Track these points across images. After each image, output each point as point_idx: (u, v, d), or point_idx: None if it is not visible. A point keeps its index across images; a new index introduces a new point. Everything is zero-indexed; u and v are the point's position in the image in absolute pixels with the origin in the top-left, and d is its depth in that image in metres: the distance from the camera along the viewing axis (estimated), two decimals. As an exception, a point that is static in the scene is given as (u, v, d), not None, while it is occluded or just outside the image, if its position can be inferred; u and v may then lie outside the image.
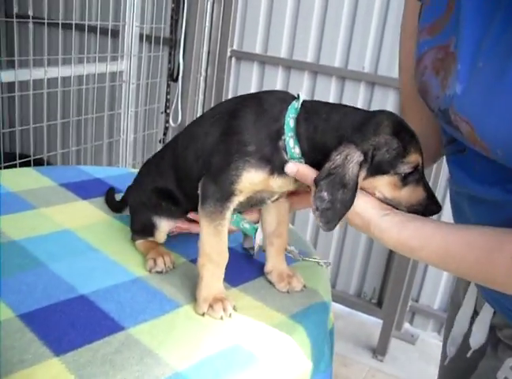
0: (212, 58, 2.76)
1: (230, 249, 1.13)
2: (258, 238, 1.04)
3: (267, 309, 0.95)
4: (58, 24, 2.19)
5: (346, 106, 0.87)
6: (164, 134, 2.77)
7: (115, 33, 2.57)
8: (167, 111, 2.72)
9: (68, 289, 0.93)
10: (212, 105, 2.79)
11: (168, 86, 2.73)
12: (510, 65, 0.63)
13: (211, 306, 0.89)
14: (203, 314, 0.90)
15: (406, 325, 2.71)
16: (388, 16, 2.37)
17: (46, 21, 2.15)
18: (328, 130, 0.82)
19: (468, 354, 0.95)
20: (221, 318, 0.89)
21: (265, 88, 2.64)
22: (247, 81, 2.75)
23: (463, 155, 0.79)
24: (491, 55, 0.66)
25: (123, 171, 1.55)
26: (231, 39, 2.71)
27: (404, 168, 0.79)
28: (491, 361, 0.86)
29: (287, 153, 0.85)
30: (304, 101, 0.87)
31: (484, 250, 0.70)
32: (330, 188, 0.78)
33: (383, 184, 0.80)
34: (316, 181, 0.79)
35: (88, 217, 1.21)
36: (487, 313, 0.90)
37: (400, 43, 0.97)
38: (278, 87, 2.66)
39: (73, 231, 1.13)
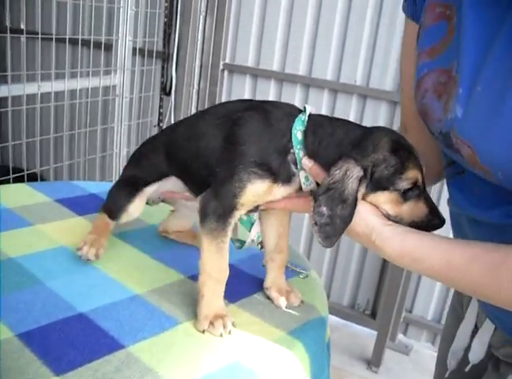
0: (205, 72, 2.77)
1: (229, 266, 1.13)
2: (254, 233, 1.01)
3: (265, 325, 0.95)
4: (52, 38, 2.19)
5: (350, 122, 0.88)
6: (157, 147, 2.77)
7: (108, 47, 2.57)
8: (160, 125, 2.73)
9: (66, 307, 0.92)
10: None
11: (161, 100, 2.74)
12: (509, 90, 0.65)
13: (211, 323, 0.90)
14: (203, 331, 0.90)
15: (400, 336, 2.71)
16: (379, 30, 2.39)
17: (39, 36, 2.15)
18: (331, 145, 0.84)
19: (467, 369, 0.96)
20: (221, 335, 0.89)
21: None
22: (240, 94, 2.76)
23: (462, 177, 0.80)
24: (491, 80, 0.68)
25: (118, 186, 1.55)
26: (224, 52, 2.72)
27: (403, 184, 0.80)
28: (494, 377, 0.87)
29: (296, 165, 0.86)
30: (310, 114, 0.88)
31: (488, 265, 0.70)
32: (329, 203, 0.78)
33: (384, 200, 0.81)
34: (315, 196, 0.80)
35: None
36: (487, 329, 0.90)
37: (401, 65, 0.98)
38: (271, 99, 2.67)
39: (70, 248, 1.13)
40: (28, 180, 2.19)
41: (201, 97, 2.81)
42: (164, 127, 2.67)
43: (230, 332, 0.90)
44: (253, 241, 1.03)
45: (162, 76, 2.72)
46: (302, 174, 0.87)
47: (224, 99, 2.81)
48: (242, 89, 2.75)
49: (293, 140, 0.86)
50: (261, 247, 1.04)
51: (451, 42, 0.76)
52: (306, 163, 0.84)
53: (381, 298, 2.59)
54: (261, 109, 0.90)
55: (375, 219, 0.80)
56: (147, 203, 1.14)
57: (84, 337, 0.85)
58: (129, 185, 1.10)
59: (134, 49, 2.57)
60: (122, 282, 1.03)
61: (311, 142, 0.85)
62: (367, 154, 0.80)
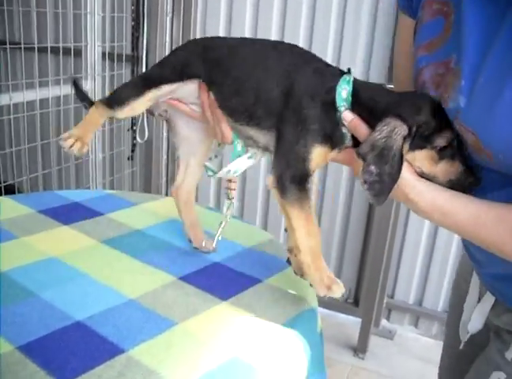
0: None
1: (216, 264, 1.16)
2: (234, 166, 1.02)
3: (259, 319, 0.98)
4: (20, 47, 2.18)
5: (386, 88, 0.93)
6: (132, 151, 2.78)
7: (77, 53, 2.55)
8: (134, 128, 2.73)
9: (63, 317, 0.94)
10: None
11: (133, 103, 2.73)
12: (509, 81, 0.71)
13: (329, 288, 0.91)
14: (325, 296, 0.91)
15: (383, 322, 2.77)
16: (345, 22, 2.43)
17: (8, 46, 2.13)
18: (376, 103, 0.86)
19: (465, 338, 1.03)
20: (342, 296, 0.91)
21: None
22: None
23: None
24: (493, 72, 0.73)
25: (101, 193, 1.56)
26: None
27: (439, 142, 0.83)
28: (498, 344, 0.92)
29: (340, 123, 0.88)
30: (354, 78, 0.91)
31: None
32: (378, 161, 0.81)
33: (421, 158, 0.84)
34: (362, 155, 0.82)
35: (72, 243, 1.22)
36: (487, 300, 0.96)
37: (394, 58, 1.04)
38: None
39: (59, 258, 1.14)
40: (6, 192, 2.17)
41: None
42: (138, 129, 2.67)
43: (343, 294, 0.92)
44: (228, 172, 1.03)
45: (132, 79, 2.72)
46: (345, 133, 0.89)
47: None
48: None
49: (337, 98, 0.88)
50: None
51: (449, 37, 0.81)
52: (348, 115, 0.86)
53: (362, 286, 2.65)
54: (317, 69, 0.92)
55: (409, 174, 0.83)
56: (151, 113, 1.12)
57: (84, 344, 0.87)
58: (145, 80, 1.07)
59: (103, 54, 2.57)
60: (115, 288, 1.04)
61: (355, 101, 0.88)
62: (411, 114, 0.83)
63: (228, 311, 0.99)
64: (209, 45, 1.05)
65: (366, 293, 2.57)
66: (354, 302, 2.77)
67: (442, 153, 0.84)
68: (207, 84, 1.01)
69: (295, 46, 0.99)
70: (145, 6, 2.58)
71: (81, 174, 2.75)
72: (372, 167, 0.81)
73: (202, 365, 0.84)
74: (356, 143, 0.88)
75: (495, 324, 0.95)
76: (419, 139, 0.83)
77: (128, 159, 2.80)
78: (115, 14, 2.61)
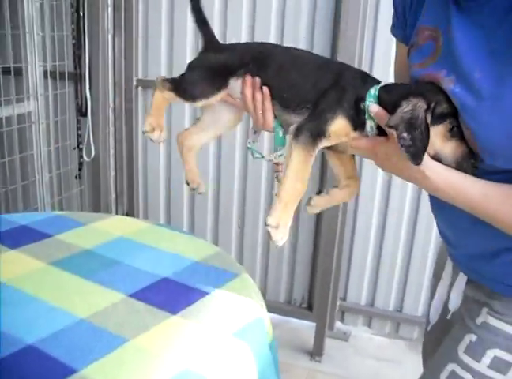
0: (119, 89, 2.78)
1: (164, 280, 1.19)
2: (279, 152, 1.15)
3: (209, 331, 1.01)
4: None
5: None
6: (79, 169, 2.77)
7: (18, 73, 2.53)
8: (80, 146, 2.72)
9: (13, 341, 0.94)
10: (124, 136, 2.82)
11: (78, 121, 2.72)
12: (502, 89, 0.86)
13: (275, 228, 0.98)
14: (266, 226, 0.98)
15: (338, 324, 2.83)
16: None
17: None
18: (398, 95, 0.98)
19: (448, 317, 1.15)
20: (277, 246, 0.99)
21: (173, 115, 2.70)
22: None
23: None
24: (484, 80, 0.89)
25: (49, 215, 1.56)
26: (136, 68, 2.74)
27: (452, 121, 0.95)
28: (470, 313, 1.05)
29: (365, 114, 1.02)
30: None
31: None
32: (408, 129, 0.93)
33: (436, 134, 0.95)
34: (394, 126, 0.94)
35: (20, 266, 1.22)
36: (461, 280, 1.10)
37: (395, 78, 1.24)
38: (186, 110, 2.72)
39: (7, 283, 1.14)
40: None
41: (117, 115, 2.81)
42: (85, 148, 2.67)
43: (277, 245, 0.99)
44: (281, 155, 1.15)
45: (76, 97, 2.71)
46: (368, 123, 1.02)
47: (140, 116, 2.82)
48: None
49: (367, 95, 1.02)
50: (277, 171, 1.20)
51: (438, 56, 0.98)
52: (374, 107, 1.00)
53: (315, 291, 2.70)
54: (358, 72, 1.10)
55: (425, 155, 0.94)
56: None
57: (36, 368, 0.88)
58: (215, 72, 1.16)
59: (45, 72, 2.55)
60: (65, 309, 1.06)
61: (381, 98, 1.01)
62: (431, 94, 0.96)
63: (178, 324, 1.01)
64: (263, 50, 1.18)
65: (319, 297, 2.62)
66: (308, 306, 2.82)
67: (452, 132, 0.96)
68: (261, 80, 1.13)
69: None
70: (86, 25, 2.58)
71: (28, 194, 2.71)
72: (404, 134, 0.93)
73: (155, 378, 0.87)
74: (380, 133, 1.01)
75: (469, 296, 1.08)
76: (437, 115, 0.95)
77: (76, 177, 2.78)
78: (55, 33, 2.60)
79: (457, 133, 0.95)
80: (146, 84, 2.77)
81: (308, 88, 1.08)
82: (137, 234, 1.44)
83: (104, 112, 2.75)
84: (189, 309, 1.08)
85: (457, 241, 1.08)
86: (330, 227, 2.47)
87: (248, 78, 1.12)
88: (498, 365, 0.98)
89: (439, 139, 0.96)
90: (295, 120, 1.08)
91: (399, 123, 0.94)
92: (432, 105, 0.95)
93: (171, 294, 1.12)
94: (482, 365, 0.99)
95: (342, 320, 2.86)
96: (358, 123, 1.03)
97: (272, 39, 2.50)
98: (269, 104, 1.12)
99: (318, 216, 2.64)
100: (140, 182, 2.91)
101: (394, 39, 1.19)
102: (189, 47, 2.64)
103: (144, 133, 1.15)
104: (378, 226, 2.63)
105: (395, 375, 2.50)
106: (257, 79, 1.12)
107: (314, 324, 2.65)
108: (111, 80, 2.74)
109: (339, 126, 1.02)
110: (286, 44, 1.26)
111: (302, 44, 2.46)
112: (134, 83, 2.76)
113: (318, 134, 1.01)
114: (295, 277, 2.82)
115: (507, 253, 0.97)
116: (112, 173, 2.87)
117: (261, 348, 1.02)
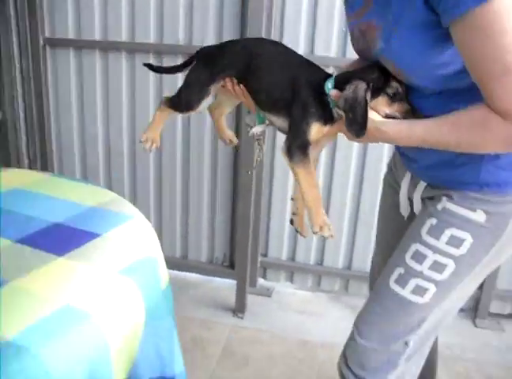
0: (25, 49, 2.65)
1: (56, 225, 1.15)
2: (259, 129, 1.36)
3: (95, 269, 0.99)
4: None
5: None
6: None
7: None
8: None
9: None
10: (34, 98, 2.70)
11: (-18, 83, 2.60)
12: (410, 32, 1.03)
13: (321, 228, 1.18)
14: (315, 233, 1.18)
15: (260, 281, 2.86)
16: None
17: None
18: (346, 79, 1.15)
19: (415, 210, 1.32)
20: (331, 236, 1.19)
21: (84, 73, 2.61)
22: (66, 68, 2.69)
23: None
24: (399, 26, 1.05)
25: None
26: (42, 26, 2.62)
27: (389, 90, 1.14)
28: (431, 202, 1.23)
29: (330, 103, 1.19)
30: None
31: (472, 120, 1.02)
32: (350, 108, 1.11)
33: (380, 103, 1.15)
34: (342, 108, 1.13)
35: None
36: (422, 186, 1.27)
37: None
38: (98, 70, 2.64)
39: None
40: None
41: (25, 76, 2.69)
42: None
43: (332, 236, 1.18)
44: (256, 133, 1.37)
45: (-22, 58, 2.58)
46: (334, 111, 1.19)
47: (50, 77, 2.71)
48: (68, 62, 2.68)
49: (325, 88, 1.19)
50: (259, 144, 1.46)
51: (369, 9, 1.13)
52: (333, 92, 1.16)
53: (236, 248, 2.71)
54: (314, 67, 1.26)
55: (377, 116, 1.14)
56: None
57: None
58: (203, 81, 1.34)
59: None
60: None
61: (336, 87, 1.17)
62: (366, 75, 1.14)
63: (63, 265, 0.99)
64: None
65: (239, 254, 2.63)
66: (230, 265, 2.83)
67: (393, 98, 1.14)
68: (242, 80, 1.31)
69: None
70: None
71: None
72: (349, 114, 1.11)
73: (30, 315, 0.84)
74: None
75: (427, 197, 1.27)
76: (375, 91, 1.13)
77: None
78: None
79: (396, 97, 1.14)
80: (54, 43, 2.65)
81: (276, 96, 1.26)
82: (33, 184, 1.39)
83: (10, 73, 2.63)
84: (78, 250, 1.06)
85: (419, 156, 1.24)
86: (246, 182, 2.46)
87: (227, 81, 1.32)
88: (453, 241, 1.16)
89: (385, 106, 1.15)
90: (273, 119, 1.28)
91: (343, 105, 1.12)
92: (371, 84, 1.12)
93: (60, 238, 1.09)
94: (441, 243, 1.17)
95: (264, 276, 2.88)
96: (328, 116, 1.19)
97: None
98: (247, 96, 1.31)
99: (235, 175, 2.63)
100: (54, 146, 2.82)
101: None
102: (96, 1, 2.54)
103: (140, 141, 1.38)
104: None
105: (318, 326, 2.56)
106: (234, 80, 1.31)
107: (236, 282, 2.66)
108: (15, 39, 2.62)
109: (316, 130, 1.19)
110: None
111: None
112: (41, 42, 2.64)
113: (304, 147, 1.19)
114: (215, 236, 2.82)
115: (459, 158, 1.14)
116: (23, 137, 2.76)
117: (151, 285, 1.01)
